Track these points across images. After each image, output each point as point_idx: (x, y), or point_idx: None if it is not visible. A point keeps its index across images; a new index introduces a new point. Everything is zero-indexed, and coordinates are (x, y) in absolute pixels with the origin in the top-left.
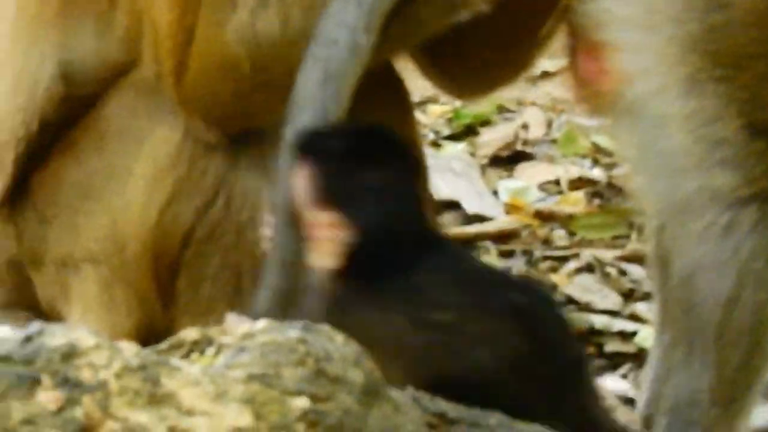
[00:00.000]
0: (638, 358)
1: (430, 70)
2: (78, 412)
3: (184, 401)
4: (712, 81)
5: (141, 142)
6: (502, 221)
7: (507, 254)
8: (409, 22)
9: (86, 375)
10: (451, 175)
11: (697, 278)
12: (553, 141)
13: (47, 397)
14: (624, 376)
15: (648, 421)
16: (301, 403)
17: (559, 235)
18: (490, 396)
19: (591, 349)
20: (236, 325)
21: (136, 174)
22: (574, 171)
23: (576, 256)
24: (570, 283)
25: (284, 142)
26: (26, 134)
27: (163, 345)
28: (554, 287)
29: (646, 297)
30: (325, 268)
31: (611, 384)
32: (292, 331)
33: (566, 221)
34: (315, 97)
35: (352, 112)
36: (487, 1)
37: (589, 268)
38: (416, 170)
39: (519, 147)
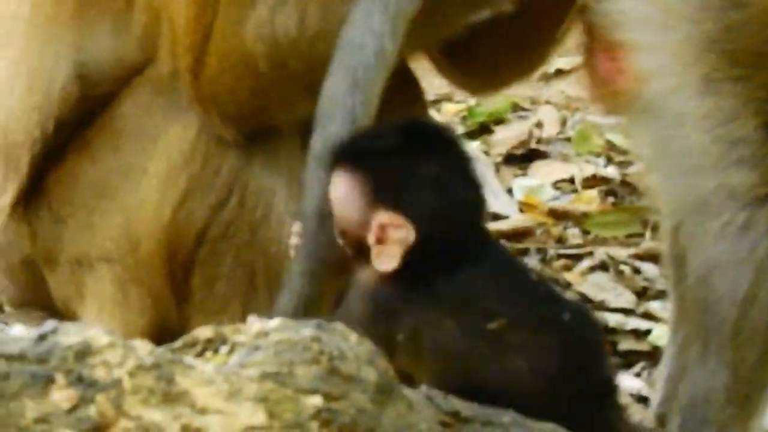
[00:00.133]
0: (652, 356)
1: (445, 67)
2: (92, 411)
3: (197, 400)
4: (729, 80)
5: (155, 141)
6: (516, 219)
7: (521, 252)
8: (430, 22)
9: (100, 373)
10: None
11: (713, 277)
12: (567, 139)
13: (61, 396)
14: (638, 375)
15: (662, 420)
16: (315, 401)
17: (573, 234)
18: (525, 407)
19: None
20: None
21: (151, 172)
22: (589, 169)
23: (590, 254)
24: (584, 282)
25: (312, 151)
26: (41, 134)
27: (177, 343)
28: (568, 286)
29: (660, 295)
30: (384, 271)
31: (625, 382)
32: (306, 330)
33: (580, 219)
34: (344, 105)
35: None
36: (510, 0)
37: (602, 267)
38: (470, 158)
39: (533, 145)
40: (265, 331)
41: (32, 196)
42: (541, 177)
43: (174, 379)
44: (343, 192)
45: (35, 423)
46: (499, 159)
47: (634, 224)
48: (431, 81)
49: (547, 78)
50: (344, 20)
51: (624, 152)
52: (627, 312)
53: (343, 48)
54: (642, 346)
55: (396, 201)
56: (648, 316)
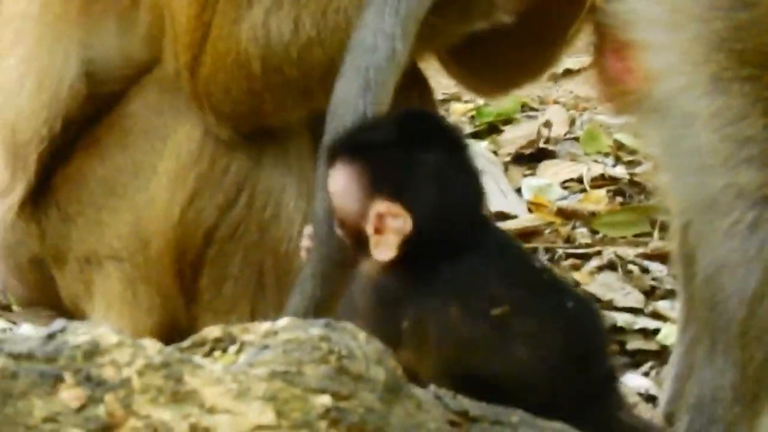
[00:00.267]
0: (660, 355)
1: (454, 68)
2: (100, 410)
3: (206, 399)
4: (738, 80)
5: (164, 140)
6: (524, 219)
7: (530, 252)
8: (425, 35)
9: (109, 373)
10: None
11: (721, 275)
12: (576, 139)
13: (70, 395)
14: (646, 374)
15: (670, 419)
16: (324, 400)
17: (582, 233)
18: (527, 393)
19: (613, 347)
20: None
21: (159, 171)
22: (597, 169)
23: (598, 253)
24: (592, 281)
25: (323, 152)
26: (49, 132)
27: (186, 343)
28: (576, 285)
29: (668, 295)
30: (383, 261)
31: (633, 381)
32: (315, 329)
33: (588, 219)
34: (356, 106)
35: None
36: (508, 13)
37: (611, 266)
38: (467, 147)
39: (541, 145)
40: (274, 330)
41: (41, 194)
42: (549, 177)
43: (183, 378)
44: (342, 182)
45: (44, 422)
46: (508, 159)
47: (643, 224)
48: (440, 81)
49: (555, 78)
50: (339, 28)
51: (632, 152)
52: (635, 311)
53: (354, 50)
54: (650, 345)
55: (393, 190)
56: (656, 315)
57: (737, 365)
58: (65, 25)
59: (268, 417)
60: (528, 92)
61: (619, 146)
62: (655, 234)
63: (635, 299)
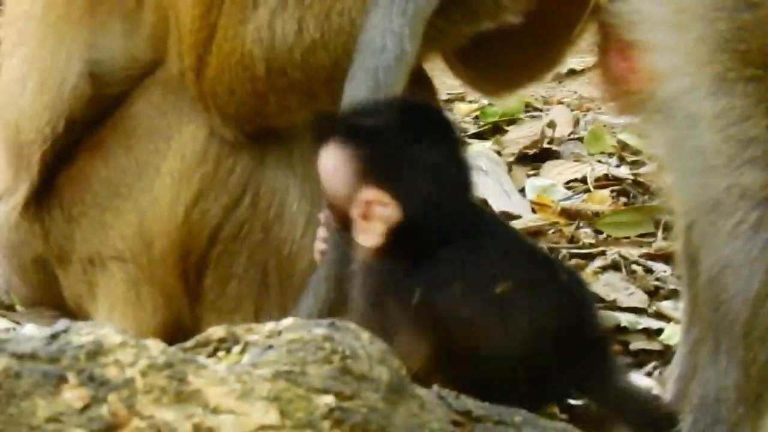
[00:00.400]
0: (663, 355)
1: (459, 68)
2: (104, 410)
3: (210, 399)
4: (742, 80)
5: (168, 140)
6: (528, 219)
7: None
8: (430, 37)
9: (112, 373)
10: (477, 173)
11: (725, 276)
12: (580, 139)
13: (73, 395)
14: (649, 374)
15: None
16: (327, 400)
17: (585, 233)
18: (531, 366)
19: (617, 347)
20: None
21: (164, 172)
22: (600, 169)
23: (602, 254)
24: (596, 281)
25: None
26: (52, 132)
27: (190, 343)
28: None
29: (671, 295)
30: (370, 247)
31: (636, 381)
32: (318, 329)
33: (592, 219)
34: None
35: None
36: (514, 14)
37: (614, 266)
38: (460, 140)
39: (545, 145)
40: (278, 331)
41: (44, 195)
42: (553, 177)
43: (186, 378)
44: (333, 164)
45: (47, 422)
46: (512, 159)
47: (646, 224)
48: (444, 81)
49: (559, 78)
50: (343, 31)
51: (636, 152)
52: (639, 311)
53: (363, 51)
54: (653, 345)
55: (384, 179)
56: (660, 315)
57: (741, 365)
58: (68, 26)
59: (271, 417)
60: (532, 92)
61: (623, 146)
62: (659, 234)
63: (639, 299)
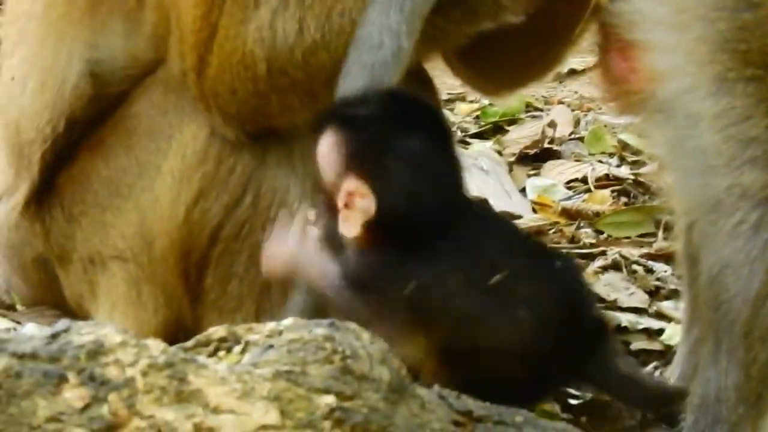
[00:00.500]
0: (664, 355)
1: (460, 68)
2: (104, 410)
3: (210, 399)
4: (742, 80)
5: (169, 140)
6: (529, 219)
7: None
8: (429, 36)
9: (113, 372)
10: (478, 172)
11: (726, 275)
12: (580, 139)
13: (73, 395)
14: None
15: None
16: (328, 400)
17: (586, 233)
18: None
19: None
20: None
21: (164, 171)
22: (601, 169)
23: (602, 254)
24: (596, 281)
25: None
26: (52, 132)
27: (190, 343)
28: None
29: (672, 295)
30: (351, 237)
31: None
32: (319, 329)
33: (593, 219)
34: None
35: None
36: (515, 14)
37: (615, 266)
38: (449, 134)
39: (546, 145)
40: (278, 330)
41: (45, 194)
42: (554, 177)
43: (187, 378)
44: (325, 150)
45: (47, 422)
46: (512, 159)
47: (647, 224)
48: (444, 81)
49: (560, 78)
50: (344, 31)
51: (637, 152)
52: (639, 311)
53: (359, 46)
54: (654, 345)
55: (365, 171)
56: (660, 315)
57: (741, 365)
58: (69, 26)
59: (272, 417)
60: (533, 92)
61: (624, 146)
62: (660, 234)
63: (639, 299)
